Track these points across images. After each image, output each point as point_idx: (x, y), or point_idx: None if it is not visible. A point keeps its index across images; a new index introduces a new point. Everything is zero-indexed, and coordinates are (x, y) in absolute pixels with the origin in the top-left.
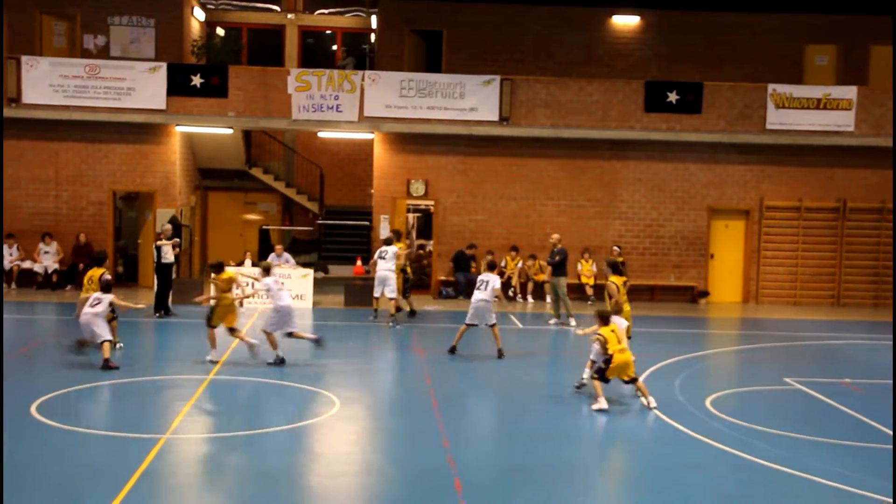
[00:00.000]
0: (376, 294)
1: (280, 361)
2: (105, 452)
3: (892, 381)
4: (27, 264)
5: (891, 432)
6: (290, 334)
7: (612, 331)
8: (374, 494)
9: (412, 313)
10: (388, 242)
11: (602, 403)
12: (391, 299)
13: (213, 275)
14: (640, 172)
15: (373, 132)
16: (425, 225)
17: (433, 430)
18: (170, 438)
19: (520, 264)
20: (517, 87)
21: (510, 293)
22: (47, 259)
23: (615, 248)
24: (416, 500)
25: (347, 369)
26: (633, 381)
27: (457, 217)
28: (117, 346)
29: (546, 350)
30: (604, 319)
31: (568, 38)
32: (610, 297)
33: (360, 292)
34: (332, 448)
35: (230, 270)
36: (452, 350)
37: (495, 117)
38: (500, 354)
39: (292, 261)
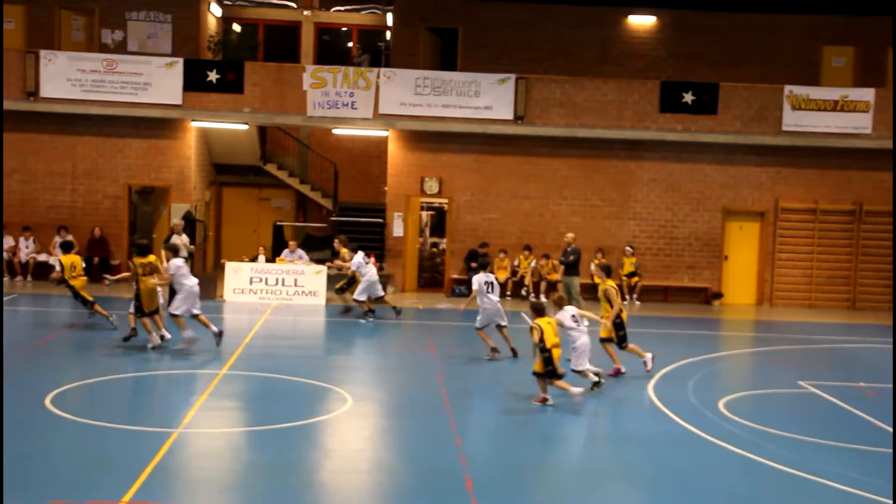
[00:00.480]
0: (366, 296)
1: (189, 342)
2: (118, 446)
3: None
4: (43, 257)
5: None
6: (195, 316)
7: (549, 323)
8: (385, 492)
9: (346, 310)
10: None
11: (576, 390)
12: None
13: (134, 257)
14: (654, 173)
15: (387, 129)
16: (439, 223)
17: (445, 428)
18: (183, 433)
19: (533, 263)
20: (532, 86)
21: (523, 292)
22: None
23: (628, 248)
24: (428, 498)
25: (360, 366)
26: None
27: (470, 215)
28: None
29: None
30: (538, 311)
31: (583, 37)
32: (610, 302)
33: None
34: (344, 445)
35: (152, 256)
36: (495, 350)
37: (510, 116)
38: (515, 353)
39: (306, 257)
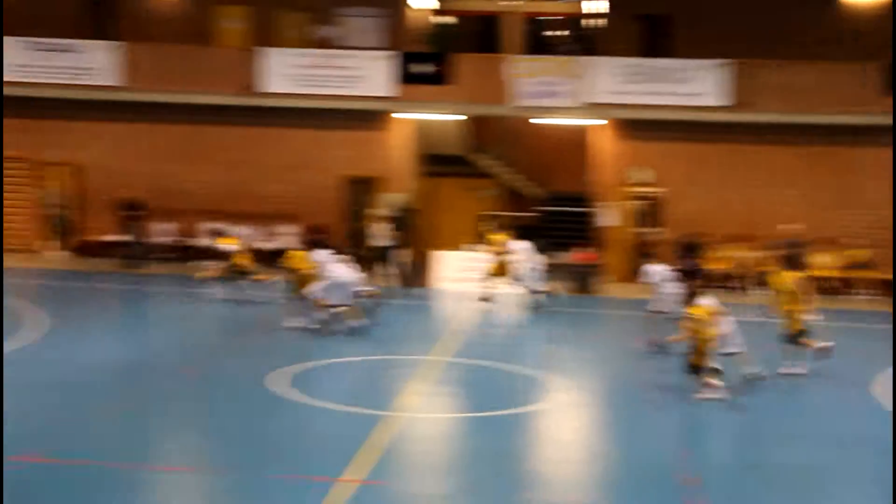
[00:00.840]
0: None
1: (320, 327)
2: (335, 426)
3: None
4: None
5: None
6: (338, 306)
7: (701, 313)
8: (599, 483)
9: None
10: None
11: (713, 393)
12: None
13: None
14: (882, 160)
15: (596, 118)
16: (649, 213)
17: (659, 422)
18: (397, 416)
19: (748, 255)
20: (748, 70)
21: (738, 285)
22: (286, 241)
23: (850, 239)
24: (642, 492)
25: (572, 356)
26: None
27: (682, 205)
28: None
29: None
30: (692, 300)
31: (802, 18)
32: (798, 295)
33: (583, 279)
34: (556, 434)
35: (301, 252)
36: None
37: (724, 102)
38: (663, 347)
39: (515, 246)
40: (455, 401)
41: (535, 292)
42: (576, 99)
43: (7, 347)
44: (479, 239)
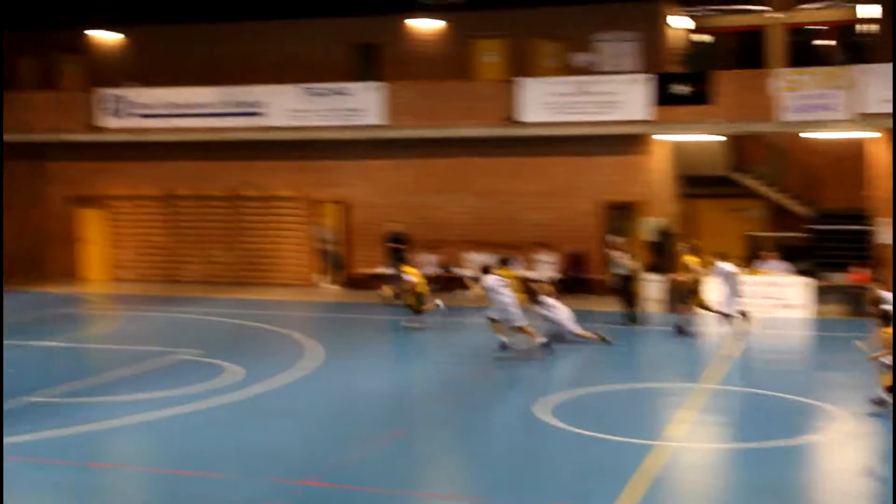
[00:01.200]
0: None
1: (503, 347)
2: (604, 454)
3: None
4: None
5: None
6: (520, 329)
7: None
8: None
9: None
10: None
11: None
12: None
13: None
14: None
15: (871, 130)
16: None
17: None
18: (665, 445)
19: None
20: None
21: None
22: (545, 269)
23: None
24: None
25: (851, 383)
26: None
27: None
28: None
29: None
30: (886, 320)
31: None
32: None
33: (859, 301)
34: (842, 466)
35: (511, 270)
36: None
37: None
38: None
39: (780, 267)
40: (726, 430)
41: (728, 316)
42: (848, 110)
43: (291, 377)
44: (743, 262)
